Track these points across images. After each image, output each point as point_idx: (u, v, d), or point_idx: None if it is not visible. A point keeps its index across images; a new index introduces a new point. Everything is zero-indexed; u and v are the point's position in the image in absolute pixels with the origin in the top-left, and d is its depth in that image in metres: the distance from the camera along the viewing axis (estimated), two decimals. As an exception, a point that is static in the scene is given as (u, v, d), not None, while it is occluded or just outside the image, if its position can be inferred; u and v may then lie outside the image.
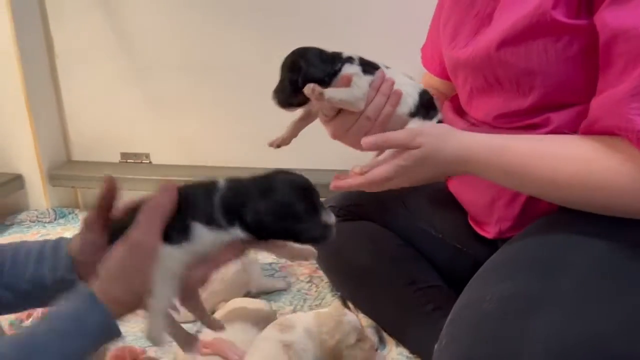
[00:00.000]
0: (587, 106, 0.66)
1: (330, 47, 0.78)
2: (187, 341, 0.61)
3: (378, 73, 0.75)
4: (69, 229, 1.55)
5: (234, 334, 0.85)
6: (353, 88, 0.73)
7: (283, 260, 1.31)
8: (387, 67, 0.77)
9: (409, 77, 0.79)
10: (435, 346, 0.61)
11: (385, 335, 0.98)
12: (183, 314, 1.05)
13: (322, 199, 0.59)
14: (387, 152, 0.71)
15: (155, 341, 0.52)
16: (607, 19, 0.61)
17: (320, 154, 1.47)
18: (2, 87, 1.58)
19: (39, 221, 1.61)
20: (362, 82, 0.74)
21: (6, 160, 1.66)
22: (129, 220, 0.53)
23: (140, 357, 0.80)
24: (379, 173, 0.69)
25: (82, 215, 1.65)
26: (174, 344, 0.95)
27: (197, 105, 1.58)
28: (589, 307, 0.54)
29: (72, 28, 1.60)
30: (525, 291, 0.58)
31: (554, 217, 0.71)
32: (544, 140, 0.67)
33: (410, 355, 0.92)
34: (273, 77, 0.78)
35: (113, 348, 0.80)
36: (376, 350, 0.88)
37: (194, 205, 0.54)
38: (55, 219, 1.62)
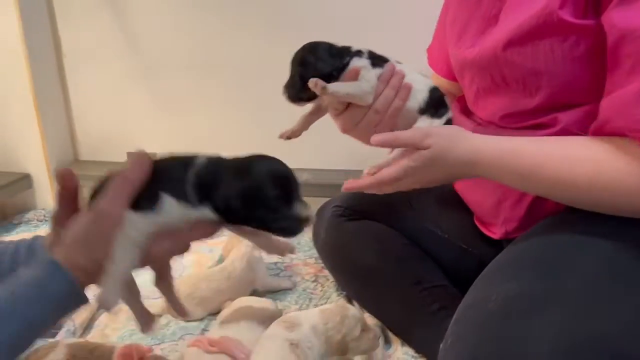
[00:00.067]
0: (595, 106, 0.66)
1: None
2: (145, 319, 0.59)
3: (387, 66, 0.74)
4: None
5: (240, 332, 0.86)
6: (360, 82, 0.73)
7: (288, 260, 1.31)
8: (398, 63, 0.77)
9: (422, 74, 0.78)
10: (441, 345, 0.61)
11: (390, 334, 0.98)
12: (189, 313, 1.06)
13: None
14: (397, 152, 0.71)
15: (104, 304, 0.51)
16: (615, 19, 0.60)
17: (327, 154, 1.47)
18: (11, 87, 1.59)
19: (46, 220, 1.61)
20: (370, 76, 0.73)
21: (14, 159, 1.68)
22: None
23: (147, 356, 0.80)
24: (387, 173, 0.70)
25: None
26: (181, 342, 0.97)
27: (204, 104, 1.58)
28: (595, 307, 0.54)
29: (80, 27, 1.61)
30: (530, 291, 0.58)
31: (559, 217, 0.71)
32: (554, 142, 0.66)
33: (416, 355, 0.93)
34: (281, 75, 0.78)
35: (120, 346, 0.80)
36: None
37: (167, 177, 0.53)
38: (62, 218, 1.63)
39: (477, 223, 0.92)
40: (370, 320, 1.00)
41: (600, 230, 0.62)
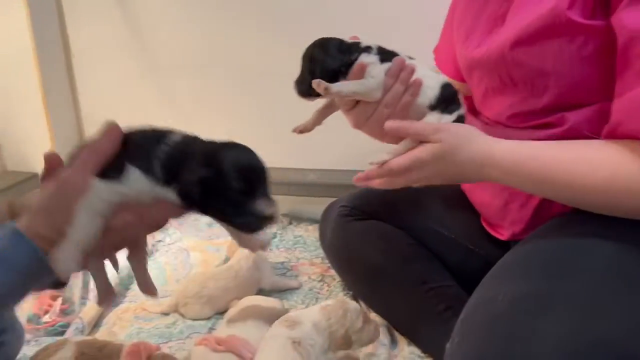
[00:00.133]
0: (603, 105, 0.66)
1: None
2: (105, 292, 0.58)
3: (396, 60, 0.74)
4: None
5: (247, 331, 0.86)
6: (366, 79, 0.73)
7: (295, 260, 1.32)
8: (411, 58, 0.77)
9: (435, 70, 0.78)
10: (447, 345, 0.61)
11: (396, 334, 0.98)
12: (195, 311, 1.07)
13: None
14: (402, 145, 0.71)
15: (60, 269, 0.49)
16: (625, 20, 0.60)
17: (333, 155, 1.47)
18: (20, 87, 1.61)
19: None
20: (376, 72, 0.73)
21: (23, 159, 1.69)
22: None
23: (154, 353, 0.80)
24: (397, 163, 0.70)
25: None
26: (188, 341, 0.97)
27: (214, 103, 1.58)
28: (601, 308, 0.54)
29: (88, 27, 1.62)
30: (537, 291, 0.58)
31: (566, 218, 0.71)
32: (569, 146, 0.66)
33: (422, 355, 0.93)
34: (289, 73, 0.78)
35: (128, 344, 0.81)
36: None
37: (138, 149, 0.51)
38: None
39: (484, 224, 0.92)
40: (377, 319, 1.00)
41: (607, 231, 0.62)
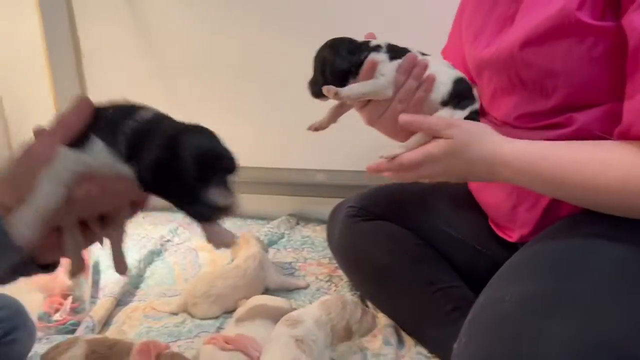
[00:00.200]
0: (612, 106, 0.66)
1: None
2: (75, 265, 0.56)
3: (407, 56, 0.74)
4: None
5: (255, 330, 0.87)
6: (376, 78, 0.73)
7: (302, 260, 1.32)
8: (424, 54, 0.76)
9: (449, 66, 0.77)
10: (454, 345, 0.61)
11: (403, 334, 0.98)
12: (203, 311, 1.08)
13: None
14: (413, 140, 0.71)
15: (16, 233, 0.47)
16: (636, 22, 0.60)
17: (342, 155, 1.48)
18: (31, 87, 1.63)
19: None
20: (386, 69, 0.73)
21: (34, 158, 1.70)
22: None
23: (164, 352, 0.81)
24: (408, 157, 0.70)
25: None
26: (196, 339, 0.98)
27: (221, 106, 1.59)
28: (608, 309, 0.54)
29: (98, 28, 1.63)
30: (544, 292, 0.58)
31: (573, 219, 0.71)
32: (582, 146, 0.66)
33: (429, 355, 0.93)
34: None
35: (138, 343, 0.81)
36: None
37: (105, 121, 0.50)
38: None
39: (492, 225, 0.92)
40: (385, 319, 1.01)
41: (615, 232, 0.62)
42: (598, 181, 0.62)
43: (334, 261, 1.20)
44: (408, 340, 0.97)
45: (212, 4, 1.51)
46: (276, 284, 1.16)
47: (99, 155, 0.49)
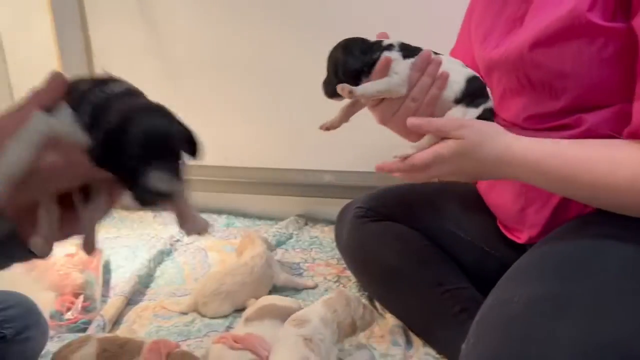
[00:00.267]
0: (621, 107, 0.66)
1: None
2: (42, 241, 0.53)
3: (422, 54, 0.74)
4: (104, 226, 1.60)
5: (263, 330, 0.88)
6: (390, 76, 0.73)
7: (311, 260, 1.33)
8: (436, 54, 0.76)
9: (462, 64, 0.77)
10: (463, 346, 0.62)
11: (412, 335, 0.99)
12: (214, 309, 1.08)
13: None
14: (425, 140, 0.71)
15: None
16: None
17: (350, 156, 1.48)
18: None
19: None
20: (400, 67, 0.73)
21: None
22: None
23: (174, 351, 0.82)
24: (418, 158, 0.70)
25: (116, 214, 1.70)
26: (206, 339, 0.99)
27: (231, 107, 1.60)
28: (616, 311, 0.54)
29: (110, 28, 1.64)
30: (552, 293, 0.58)
31: (582, 220, 0.71)
32: (593, 144, 0.66)
33: (437, 356, 0.93)
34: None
35: (149, 342, 0.82)
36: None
37: (78, 93, 0.50)
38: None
39: (500, 227, 0.92)
40: (393, 320, 1.01)
41: (622, 233, 0.62)
42: (607, 180, 0.61)
43: (342, 262, 1.21)
44: (416, 341, 0.97)
45: (222, 4, 1.51)
46: (283, 282, 1.17)
47: (66, 120, 0.48)
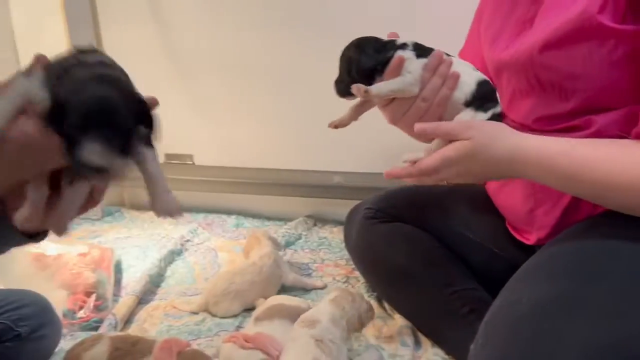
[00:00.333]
0: (631, 108, 0.66)
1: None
2: (26, 216, 0.52)
3: (434, 54, 0.74)
4: (115, 227, 1.62)
5: (273, 329, 0.88)
6: (403, 75, 0.73)
7: (320, 261, 1.33)
8: (447, 55, 0.76)
9: (472, 67, 0.77)
10: (471, 346, 0.62)
11: (420, 335, 0.99)
12: (224, 308, 1.09)
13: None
14: (435, 143, 0.71)
15: None
16: None
17: (359, 157, 1.48)
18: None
19: (87, 218, 1.67)
20: (413, 67, 0.73)
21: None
22: None
23: (185, 350, 0.83)
24: (427, 162, 0.70)
25: (127, 214, 1.72)
26: (216, 338, 0.99)
27: (241, 108, 1.61)
28: (624, 312, 0.54)
29: (121, 30, 1.66)
30: (561, 294, 0.58)
31: (591, 221, 0.71)
32: (602, 144, 0.66)
33: (446, 356, 0.93)
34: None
35: (160, 340, 0.83)
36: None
37: (56, 62, 0.50)
38: (102, 217, 1.68)
39: (509, 228, 0.92)
40: (401, 320, 1.01)
41: (631, 234, 0.62)
42: (616, 179, 0.61)
43: (351, 262, 1.21)
44: (425, 342, 0.97)
45: (234, 7, 1.52)
46: (292, 282, 1.17)
47: (35, 81, 0.48)
